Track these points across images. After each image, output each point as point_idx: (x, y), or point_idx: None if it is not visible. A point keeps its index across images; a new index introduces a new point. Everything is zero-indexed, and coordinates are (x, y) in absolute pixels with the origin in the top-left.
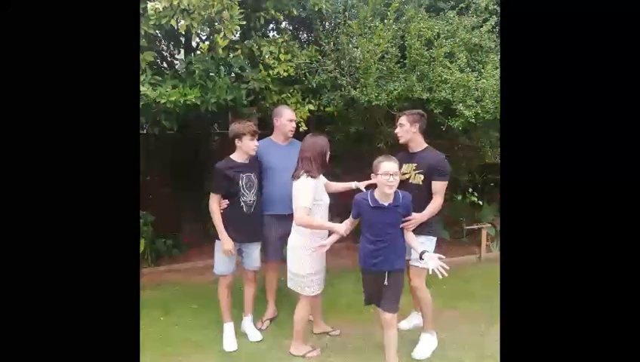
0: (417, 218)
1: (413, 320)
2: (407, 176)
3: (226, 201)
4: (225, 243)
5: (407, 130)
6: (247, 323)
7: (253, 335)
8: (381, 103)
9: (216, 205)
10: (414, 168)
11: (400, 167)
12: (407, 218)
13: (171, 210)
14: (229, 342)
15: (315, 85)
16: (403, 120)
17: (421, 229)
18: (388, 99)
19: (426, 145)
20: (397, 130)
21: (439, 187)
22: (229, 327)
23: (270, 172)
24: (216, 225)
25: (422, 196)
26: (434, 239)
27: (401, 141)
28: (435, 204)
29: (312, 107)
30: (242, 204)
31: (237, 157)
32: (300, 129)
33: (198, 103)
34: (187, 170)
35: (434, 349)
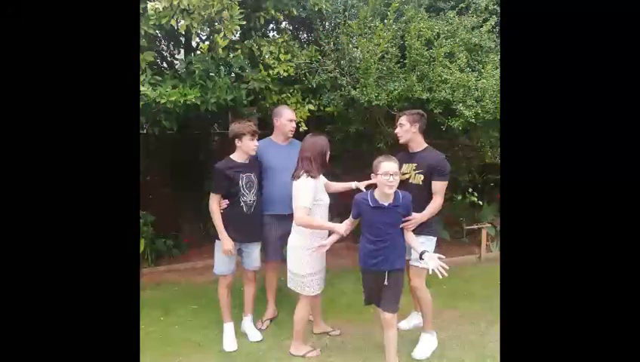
0: (417, 218)
1: (413, 320)
2: (407, 176)
3: (226, 201)
4: (225, 243)
5: (407, 130)
6: (247, 323)
7: (253, 335)
8: (381, 103)
9: (216, 205)
10: (414, 168)
11: (400, 167)
12: (407, 218)
13: (171, 210)
14: (229, 342)
15: (315, 85)
16: (403, 120)
17: (421, 229)
18: (388, 99)
19: (426, 145)
20: (397, 130)
21: (439, 187)
22: (229, 327)
23: (270, 172)
24: (216, 225)
25: (422, 196)
26: (434, 239)
27: (401, 141)
28: (435, 204)
29: (312, 107)
30: (242, 203)
31: (237, 157)
32: (300, 129)
33: (198, 103)
34: (187, 170)
35: (434, 349)
